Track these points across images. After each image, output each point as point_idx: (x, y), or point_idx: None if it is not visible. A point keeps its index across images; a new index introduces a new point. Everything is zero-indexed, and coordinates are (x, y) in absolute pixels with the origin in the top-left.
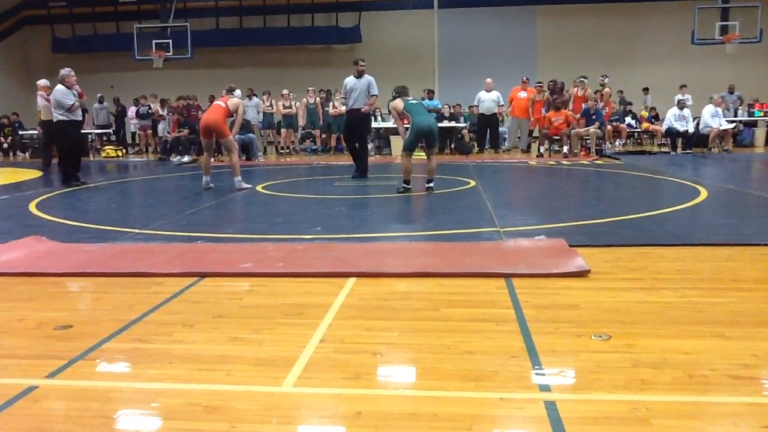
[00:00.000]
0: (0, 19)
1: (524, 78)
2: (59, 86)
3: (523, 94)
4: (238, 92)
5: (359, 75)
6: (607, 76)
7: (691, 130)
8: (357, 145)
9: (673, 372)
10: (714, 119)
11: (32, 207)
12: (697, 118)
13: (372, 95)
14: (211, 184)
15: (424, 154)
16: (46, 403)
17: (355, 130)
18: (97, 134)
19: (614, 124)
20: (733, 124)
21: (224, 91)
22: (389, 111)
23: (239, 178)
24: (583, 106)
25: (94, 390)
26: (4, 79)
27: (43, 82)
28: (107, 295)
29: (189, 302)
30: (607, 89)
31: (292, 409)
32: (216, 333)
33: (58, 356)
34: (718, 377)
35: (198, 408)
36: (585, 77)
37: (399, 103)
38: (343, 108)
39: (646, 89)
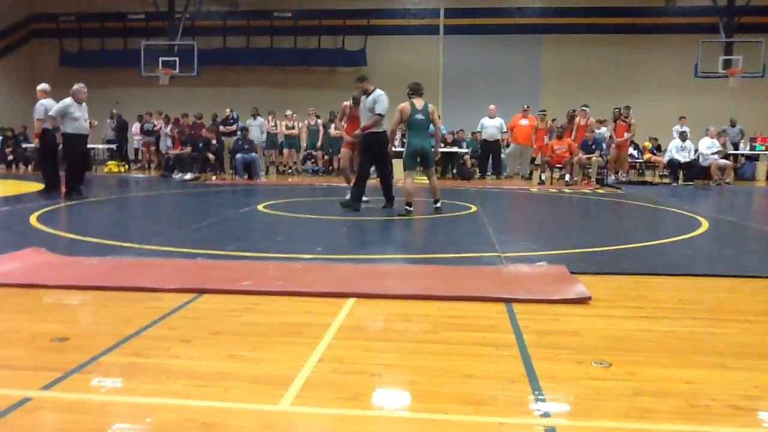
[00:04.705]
0: (9, 32)
1: (525, 106)
2: (66, 99)
3: (524, 122)
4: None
5: (365, 93)
6: (588, 106)
7: (690, 158)
8: (376, 169)
9: (674, 401)
10: (709, 150)
11: (33, 219)
12: (697, 150)
13: (375, 114)
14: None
15: (425, 176)
16: (40, 415)
17: (370, 154)
18: (102, 149)
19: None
20: (725, 161)
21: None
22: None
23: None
24: (579, 135)
25: (89, 403)
26: (11, 92)
27: (42, 86)
28: (105, 308)
29: (187, 318)
30: (586, 119)
31: (288, 428)
32: (214, 349)
33: (54, 368)
34: (720, 407)
35: (194, 424)
36: (587, 105)
37: (406, 110)
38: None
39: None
